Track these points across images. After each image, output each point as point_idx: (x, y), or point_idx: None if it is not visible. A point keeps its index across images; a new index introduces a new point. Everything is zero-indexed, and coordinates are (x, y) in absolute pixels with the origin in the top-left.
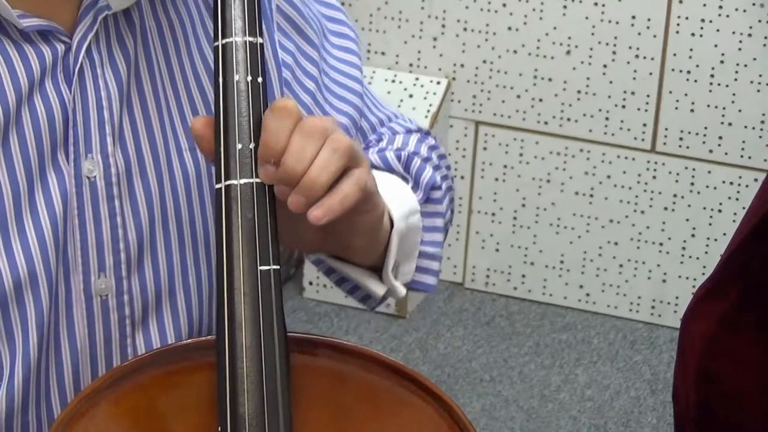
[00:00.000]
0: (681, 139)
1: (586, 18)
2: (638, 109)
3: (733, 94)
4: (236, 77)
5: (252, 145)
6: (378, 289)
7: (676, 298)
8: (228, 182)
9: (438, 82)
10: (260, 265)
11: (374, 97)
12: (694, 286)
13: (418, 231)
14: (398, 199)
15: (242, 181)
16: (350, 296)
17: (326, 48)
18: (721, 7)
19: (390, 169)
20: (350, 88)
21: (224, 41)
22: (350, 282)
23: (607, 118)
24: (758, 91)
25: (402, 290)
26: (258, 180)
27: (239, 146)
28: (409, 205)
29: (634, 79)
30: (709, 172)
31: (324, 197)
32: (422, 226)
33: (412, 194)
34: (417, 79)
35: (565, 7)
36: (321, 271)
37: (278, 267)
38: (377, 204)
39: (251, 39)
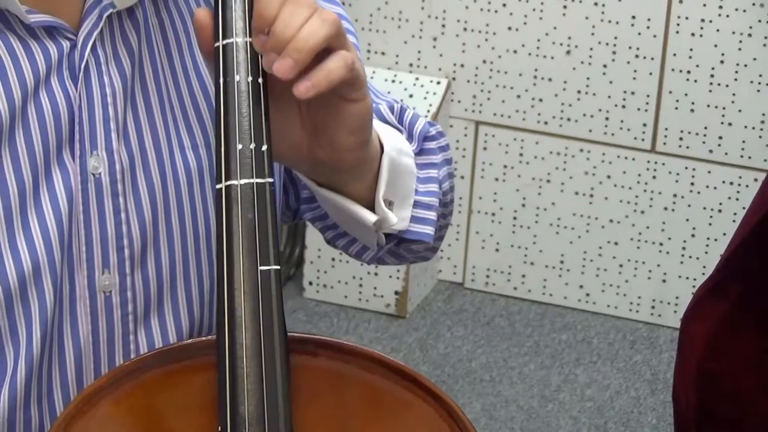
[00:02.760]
0: (681, 139)
1: (586, 18)
2: (638, 109)
3: (733, 94)
4: (237, 78)
5: (252, 146)
6: (369, 216)
7: (676, 298)
8: (228, 182)
9: (438, 82)
10: (260, 265)
11: (375, 88)
12: (694, 286)
13: (411, 175)
14: (390, 136)
15: (242, 181)
16: (347, 251)
17: None
18: (721, 7)
19: (383, 120)
20: None
21: (225, 42)
22: (346, 236)
23: (607, 118)
24: (758, 91)
25: (394, 219)
26: (259, 180)
27: (240, 146)
28: (402, 145)
29: (634, 79)
30: (709, 172)
31: (310, 71)
32: (417, 176)
33: (406, 141)
34: (417, 79)
35: (565, 7)
36: (317, 227)
37: (278, 267)
38: (366, 95)
39: (252, 39)
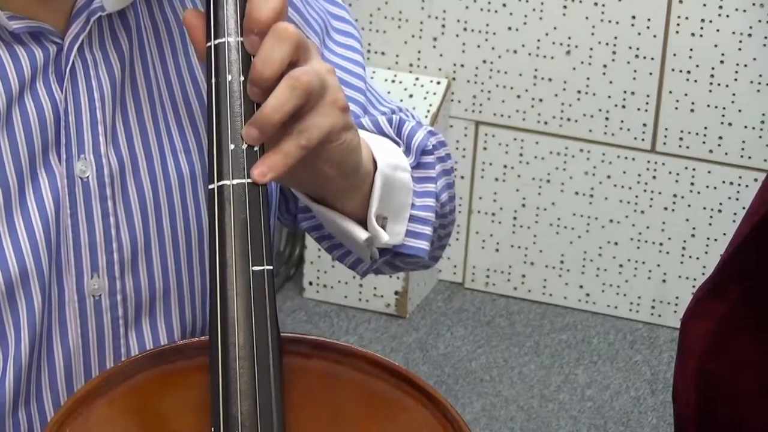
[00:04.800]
0: (681, 139)
1: (586, 18)
2: (638, 109)
3: (733, 94)
4: (229, 77)
5: (245, 146)
6: (360, 233)
7: (676, 298)
8: (221, 183)
9: (438, 82)
10: (253, 266)
11: (378, 93)
12: (694, 286)
13: (407, 190)
14: (386, 151)
15: (235, 181)
16: (342, 262)
17: (329, 46)
18: (721, 7)
19: (381, 133)
20: (353, 85)
21: (216, 42)
22: (342, 247)
23: (607, 118)
24: (758, 91)
25: (385, 237)
26: (251, 181)
27: (232, 147)
28: (398, 160)
29: (634, 79)
30: (709, 172)
31: (266, 155)
32: (414, 190)
33: (402, 155)
34: (417, 79)
35: (565, 7)
36: (313, 237)
37: (271, 267)
38: (344, 140)
39: (243, 39)
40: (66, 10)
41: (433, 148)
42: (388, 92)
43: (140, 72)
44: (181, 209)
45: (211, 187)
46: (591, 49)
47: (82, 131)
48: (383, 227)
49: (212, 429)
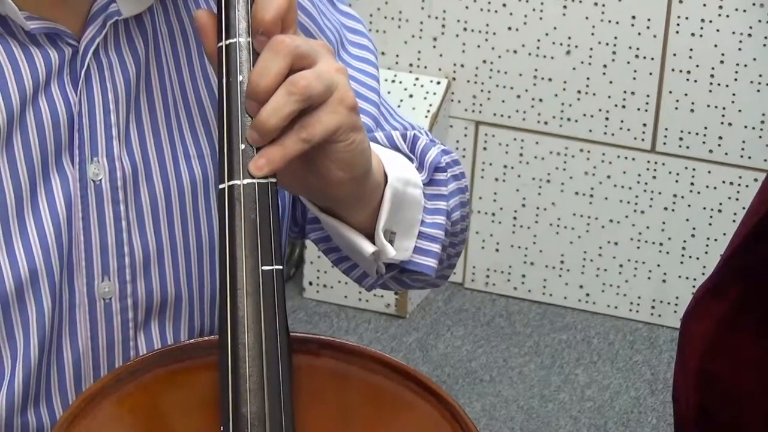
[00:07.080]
0: (681, 139)
1: (586, 18)
2: (638, 109)
3: (733, 94)
4: (240, 77)
5: (255, 146)
6: (367, 246)
7: (676, 298)
8: (231, 182)
9: (438, 82)
10: (263, 266)
11: (392, 108)
12: (694, 286)
13: (418, 206)
14: (398, 166)
15: (245, 181)
16: (348, 275)
17: (343, 58)
18: (721, 7)
19: (395, 148)
20: (366, 97)
21: (228, 42)
22: (348, 260)
23: (607, 118)
24: (758, 91)
25: (392, 251)
26: (261, 180)
27: (242, 146)
28: (410, 175)
29: (634, 79)
30: (709, 172)
31: (265, 148)
32: (425, 207)
33: (415, 171)
34: (417, 79)
35: (565, 7)
36: (321, 249)
37: (281, 267)
38: (353, 140)
39: (252, 40)
40: (82, 13)
41: (446, 165)
42: (389, 92)
43: (155, 76)
44: (194, 215)
45: (221, 186)
46: (591, 49)
47: (96, 134)
48: (391, 242)
49: (221, 428)
